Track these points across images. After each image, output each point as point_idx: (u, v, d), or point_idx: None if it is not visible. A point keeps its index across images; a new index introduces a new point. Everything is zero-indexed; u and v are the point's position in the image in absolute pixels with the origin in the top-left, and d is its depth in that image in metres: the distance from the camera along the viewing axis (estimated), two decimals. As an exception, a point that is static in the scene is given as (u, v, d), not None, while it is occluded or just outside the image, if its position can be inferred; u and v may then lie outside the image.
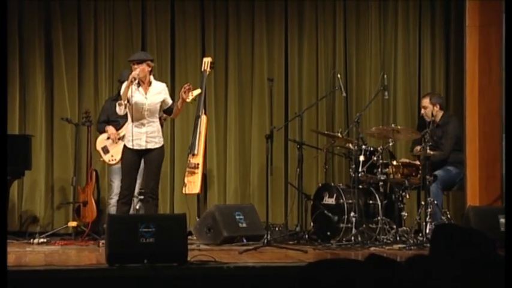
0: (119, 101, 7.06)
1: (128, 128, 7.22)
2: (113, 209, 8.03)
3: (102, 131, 8.29)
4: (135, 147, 7.16)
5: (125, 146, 7.23)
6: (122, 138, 8.05)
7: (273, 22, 9.56)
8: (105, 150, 8.23)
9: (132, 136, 7.13)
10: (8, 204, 8.48)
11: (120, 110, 7.09)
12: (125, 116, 7.40)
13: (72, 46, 9.31)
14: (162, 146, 7.27)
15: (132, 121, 7.17)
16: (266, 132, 8.52)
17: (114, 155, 8.16)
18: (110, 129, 8.18)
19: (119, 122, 8.09)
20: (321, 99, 9.25)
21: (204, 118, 8.35)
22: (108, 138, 8.21)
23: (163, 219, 6.65)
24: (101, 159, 8.34)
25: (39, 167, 9.09)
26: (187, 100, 7.32)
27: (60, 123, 9.08)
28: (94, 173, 8.75)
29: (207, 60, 8.57)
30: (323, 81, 9.54)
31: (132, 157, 7.17)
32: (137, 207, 8.20)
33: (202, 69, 8.53)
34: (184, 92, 7.14)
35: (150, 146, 7.17)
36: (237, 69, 9.53)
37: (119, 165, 8.05)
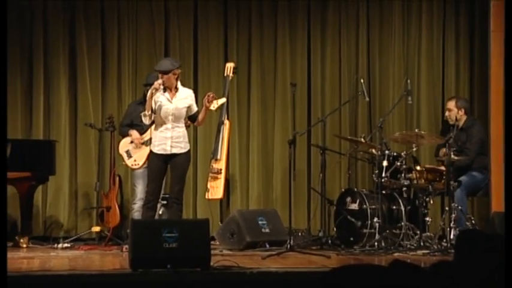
0: (144, 112, 7.11)
1: (154, 132, 7.26)
2: (136, 214, 8.05)
3: (126, 134, 8.29)
4: (160, 152, 7.19)
5: (151, 151, 7.27)
6: (145, 143, 8.07)
7: (296, 26, 9.58)
8: (128, 154, 8.24)
9: (158, 141, 7.17)
10: (33, 209, 8.57)
11: (145, 120, 7.15)
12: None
13: (96, 51, 9.38)
14: (188, 151, 7.28)
15: (158, 126, 7.21)
16: (289, 138, 8.52)
17: (137, 159, 8.17)
18: (134, 133, 8.18)
19: (142, 127, 8.10)
20: (344, 104, 9.23)
21: (227, 123, 8.34)
22: (132, 142, 8.21)
23: (187, 225, 6.67)
24: (123, 163, 8.35)
25: (63, 172, 9.14)
26: (211, 108, 7.36)
27: (84, 129, 9.13)
28: (117, 178, 8.78)
29: (229, 65, 8.56)
30: (346, 86, 9.52)
31: (157, 162, 7.20)
32: (160, 212, 8.22)
33: (225, 75, 8.52)
34: (208, 101, 7.16)
35: (175, 150, 7.19)
36: (260, 74, 9.54)
37: (142, 169, 8.10)
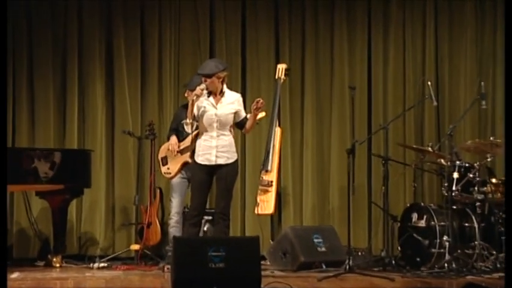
0: (185, 120, 7.10)
1: (198, 141, 7.24)
2: (173, 230, 8.06)
3: (169, 139, 8.34)
4: (205, 163, 7.16)
5: (194, 161, 7.25)
6: (181, 151, 8.09)
7: (355, 24, 9.53)
8: (164, 161, 8.25)
9: (202, 151, 7.15)
10: (66, 226, 8.62)
11: (187, 129, 7.14)
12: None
13: (135, 52, 9.42)
14: (235, 161, 7.24)
15: (202, 134, 7.18)
16: (347, 146, 8.47)
17: (171, 167, 8.18)
18: (172, 139, 8.18)
19: (182, 133, 8.14)
20: (409, 110, 9.14)
21: (278, 131, 8.29)
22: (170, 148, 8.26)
23: (234, 242, 6.64)
24: (158, 169, 8.39)
25: (99, 184, 9.19)
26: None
27: (122, 137, 9.17)
28: (158, 191, 8.79)
29: (281, 66, 8.52)
30: (411, 89, 9.44)
31: (201, 174, 7.17)
32: (205, 228, 8.20)
33: (276, 77, 8.48)
34: (257, 108, 7.12)
35: (221, 161, 7.15)
36: (315, 77, 9.51)
37: (179, 180, 8.11)
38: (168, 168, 8.18)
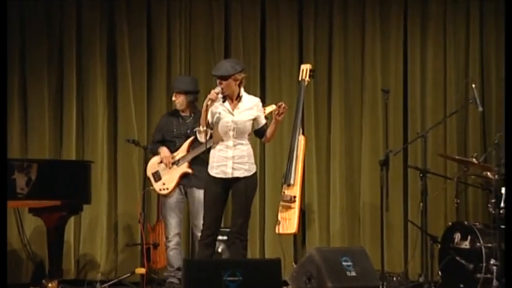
0: (198, 128, 7.08)
1: (212, 151, 7.21)
2: (173, 253, 8.09)
3: (156, 152, 8.34)
4: (220, 176, 7.12)
5: (208, 174, 7.22)
6: (176, 162, 8.09)
7: (389, 19, 9.50)
8: (157, 176, 8.26)
9: (216, 162, 7.12)
10: (63, 247, 8.57)
11: (200, 138, 7.11)
12: (186, 137, 7.62)
13: (140, 51, 9.44)
14: (254, 174, 7.20)
15: (216, 143, 7.15)
16: (380, 157, 8.49)
17: (167, 183, 8.17)
18: (163, 150, 8.20)
19: (175, 143, 8.14)
20: (451, 116, 9.09)
21: (301, 139, 8.27)
22: (161, 162, 8.24)
23: (253, 266, 6.64)
24: (151, 187, 8.37)
25: (100, 200, 9.20)
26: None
27: (126, 146, 9.16)
28: (167, 208, 8.77)
29: (305, 67, 8.51)
30: (452, 92, 9.40)
31: (215, 188, 7.13)
32: (219, 250, 8.16)
33: (300, 79, 8.48)
34: (279, 114, 7.07)
35: (237, 174, 7.12)
36: (343, 78, 9.50)
37: (175, 198, 8.12)
38: (164, 184, 8.20)
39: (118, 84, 9.45)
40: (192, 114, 8.18)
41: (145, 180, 8.76)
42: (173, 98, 8.24)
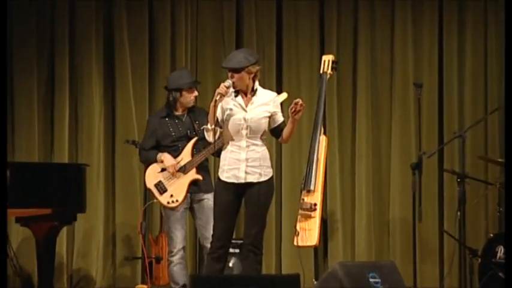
0: (205, 126, 7.03)
1: (222, 153, 7.16)
2: (177, 268, 7.94)
3: (152, 161, 8.19)
4: (231, 181, 7.06)
5: (218, 178, 7.17)
6: (182, 169, 8.01)
7: (422, 7, 9.50)
8: (161, 188, 8.12)
9: (227, 165, 7.06)
10: (55, 260, 8.55)
11: (209, 137, 7.05)
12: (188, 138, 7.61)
13: (141, 42, 9.48)
14: (270, 179, 7.10)
15: (227, 144, 7.09)
16: (412, 160, 8.51)
17: (175, 194, 8.04)
18: (166, 158, 8.04)
19: (177, 147, 8.02)
20: (493, 113, 9.06)
21: (323, 139, 8.20)
22: (163, 170, 8.14)
23: (268, 282, 6.61)
24: (155, 200, 8.28)
25: (96, 208, 9.22)
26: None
27: (125, 148, 9.17)
28: (170, 218, 8.75)
29: (327, 58, 8.42)
30: (494, 87, 9.40)
31: (227, 195, 7.05)
32: (231, 264, 8.16)
33: (321, 71, 8.38)
34: (295, 111, 6.99)
35: (251, 178, 7.03)
36: (370, 71, 9.51)
37: (181, 208, 8.02)
38: (172, 196, 8.05)
39: (116, 79, 9.49)
40: (186, 112, 8.03)
41: (146, 192, 8.75)
42: (194, 94, 8.04)
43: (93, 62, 9.46)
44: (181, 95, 7.82)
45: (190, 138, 7.89)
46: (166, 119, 7.92)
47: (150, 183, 8.09)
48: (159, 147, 8.02)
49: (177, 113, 7.96)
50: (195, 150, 7.93)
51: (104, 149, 9.40)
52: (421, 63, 9.49)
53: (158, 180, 8.04)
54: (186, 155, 7.91)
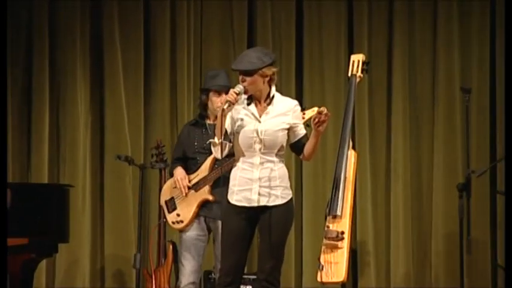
0: (212, 140, 6.99)
1: (232, 172, 7.12)
2: None
3: (172, 174, 8.30)
4: (242, 204, 7.00)
5: (228, 202, 7.13)
6: (194, 186, 8.00)
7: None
8: (171, 205, 8.14)
9: (238, 185, 7.00)
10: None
11: (216, 153, 7.00)
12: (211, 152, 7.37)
13: (135, 38, 9.54)
14: (289, 202, 7.01)
15: (238, 160, 7.05)
16: (459, 180, 8.57)
17: (182, 213, 8.03)
18: (178, 171, 8.04)
19: (196, 160, 8.02)
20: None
21: (352, 155, 8.17)
22: (176, 186, 8.19)
23: None
24: (164, 219, 8.27)
25: (81, 237, 9.27)
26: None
27: (116, 165, 9.19)
28: (170, 247, 8.74)
29: (357, 58, 8.39)
30: (556, 92, 9.33)
31: (237, 220, 6.97)
32: (245, 302, 8.13)
33: (350, 74, 8.35)
34: (318, 123, 6.93)
35: (266, 201, 6.93)
36: (408, 73, 9.51)
37: (193, 233, 7.95)
38: (178, 215, 8.06)
39: (105, 83, 9.56)
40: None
41: (143, 210, 8.77)
42: (221, 98, 8.04)
43: (78, 61, 9.54)
44: (208, 99, 7.79)
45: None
46: (196, 128, 7.90)
47: (162, 200, 8.13)
48: (185, 160, 8.03)
49: (208, 122, 7.94)
50: (215, 166, 7.90)
51: (91, 166, 9.45)
52: (469, 63, 9.49)
53: (171, 196, 8.07)
54: (202, 171, 7.87)
